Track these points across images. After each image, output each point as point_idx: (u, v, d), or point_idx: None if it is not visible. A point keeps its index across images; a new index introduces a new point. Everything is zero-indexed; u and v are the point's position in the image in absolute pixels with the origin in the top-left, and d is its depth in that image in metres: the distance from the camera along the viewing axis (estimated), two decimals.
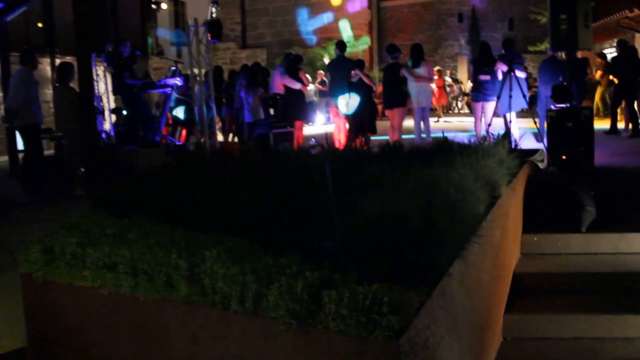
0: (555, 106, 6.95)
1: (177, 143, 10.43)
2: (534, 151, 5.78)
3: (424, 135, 10.14)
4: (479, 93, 9.48)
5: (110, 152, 9.51)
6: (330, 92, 11.02)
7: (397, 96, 9.95)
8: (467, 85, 23.23)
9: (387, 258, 2.62)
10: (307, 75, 10.91)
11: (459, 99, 24.51)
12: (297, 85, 10.36)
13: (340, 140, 10.68)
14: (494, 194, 3.82)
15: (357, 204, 3.12)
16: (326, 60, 22.57)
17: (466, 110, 23.15)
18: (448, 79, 23.63)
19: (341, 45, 10.81)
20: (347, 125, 10.59)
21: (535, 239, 4.68)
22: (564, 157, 6.67)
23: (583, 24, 6.56)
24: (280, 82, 10.57)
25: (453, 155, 4.22)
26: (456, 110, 24.24)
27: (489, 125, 8.69)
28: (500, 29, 26.53)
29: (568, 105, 6.82)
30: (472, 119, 19.15)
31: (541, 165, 5.42)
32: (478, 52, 9.73)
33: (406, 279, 2.49)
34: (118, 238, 3.31)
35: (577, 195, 4.64)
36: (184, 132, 11.41)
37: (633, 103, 10.71)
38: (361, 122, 10.22)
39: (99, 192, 6.42)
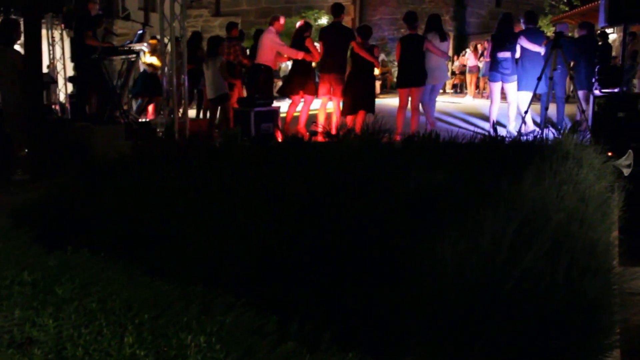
0: (601, 91, 5.83)
1: (140, 120, 9.01)
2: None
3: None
4: (496, 72, 8.32)
5: (61, 129, 8.08)
6: (323, 66, 9.30)
7: (418, 72, 8.65)
8: (455, 65, 22.14)
9: None
10: (317, 45, 9.28)
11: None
12: (299, 55, 8.91)
13: (331, 120, 9.37)
14: (604, 218, 2.65)
15: (434, 250, 1.91)
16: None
17: (449, 90, 22.08)
18: None
19: (337, 9, 9.19)
20: (342, 104, 9.26)
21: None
22: (610, 154, 5.55)
23: None
24: (271, 50, 9.05)
25: (529, 160, 3.03)
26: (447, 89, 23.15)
27: (526, 112, 7.52)
28: (487, 6, 25.37)
29: (618, 90, 5.69)
30: (460, 99, 18.27)
31: (626, 172, 4.27)
32: (497, 26, 8.45)
33: None
34: (40, 290, 2.05)
35: None
36: (151, 108, 9.98)
37: None
38: (360, 101, 8.93)
39: (43, 177, 5.03)
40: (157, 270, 2.18)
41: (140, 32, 9.82)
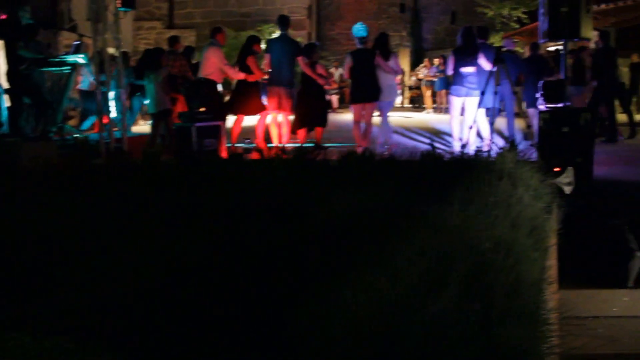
0: (546, 106, 5.70)
1: (75, 135, 8.54)
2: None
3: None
4: (461, 87, 7.96)
5: None
6: (271, 79, 8.97)
7: (373, 88, 8.45)
8: (410, 79, 22.25)
9: None
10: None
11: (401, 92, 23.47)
12: (240, 76, 8.62)
13: (281, 135, 9.07)
14: (539, 244, 2.41)
15: (345, 295, 1.61)
16: (262, 45, 20.86)
17: (407, 105, 22.13)
18: None
19: (284, 21, 8.97)
20: (292, 118, 9.04)
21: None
22: (556, 169, 5.42)
23: (585, 9, 5.31)
24: (215, 64, 8.74)
25: (460, 179, 2.78)
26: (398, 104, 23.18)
27: (470, 127, 7.35)
28: (443, 22, 25.64)
29: (563, 105, 5.58)
30: (415, 114, 18.26)
31: (567, 190, 4.08)
32: (461, 40, 8.15)
33: None
34: None
35: (621, 235, 3.35)
36: (96, 122, 9.52)
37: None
38: (311, 115, 8.81)
39: None
40: (19, 320, 1.83)
41: (76, 43, 9.37)
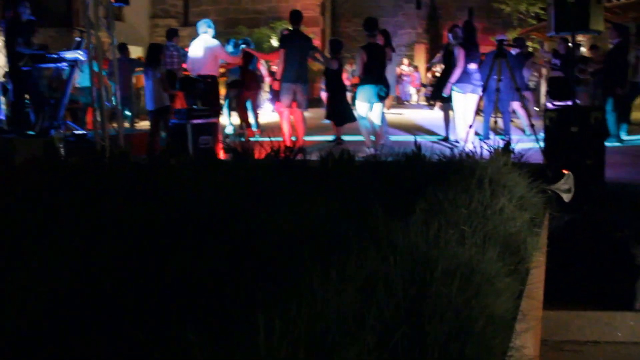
0: (554, 104, 5.34)
1: (77, 132, 8.37)
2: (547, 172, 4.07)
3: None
4: (467, 84, 7.66)
5: None
6: (286, 76, 8.60)
7: (387, 84, 8.33)
8: (425, 76, 21.84)
9: None
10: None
11: (417, 90, 23.09)
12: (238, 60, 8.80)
13: (296, 135, 8.89)
14: (517, 266, 2.10)
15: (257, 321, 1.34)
16: (274, 42, 20.66)
17: (423, 103, 21.69)
18: (405, 68, 22.14)
19: (296, 16, 8.64)
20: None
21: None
22: (565, 172, 5.07)
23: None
24: (216, 60, 8.75)
25: (436, 185, 2.49)
26: (413, 102, 22.80)
27: (471, 126, 7.01)
28: (460, 19, 25.15)
29: (571, 103, 5.21)
30: (427, 110, 17.81)
31: (567, 198, 3.70)
32: (462, 34, 7.79)
33: None
34: None
35: (626, 250, 3.00)
36: (88, 118, 9.39)
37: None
38: (332, 111, 9.04)
39: None
40: None
41: (78, 39, 9.20)
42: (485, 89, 6.97)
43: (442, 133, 9.33)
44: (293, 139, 8.67)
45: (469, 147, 4.21)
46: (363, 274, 1.45)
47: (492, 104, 7.75)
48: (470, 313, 1.39)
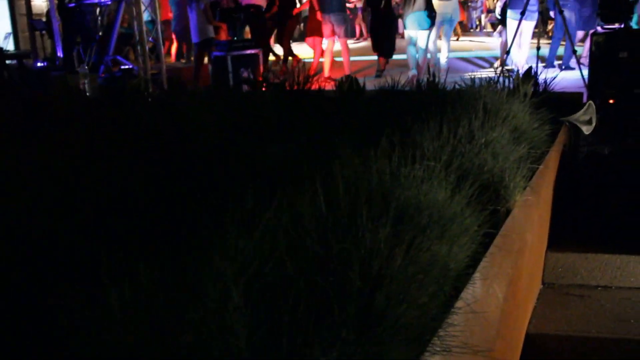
0: (603, 27, 4.90)
1: (124, 67, 8.52)
2: (574, 103, 3.74)
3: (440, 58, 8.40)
4: (520, 9, 7.04)
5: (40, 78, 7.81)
6: (322, 5, 8.46)
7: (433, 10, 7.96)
8: (492, 2, 20.56)
9: None
10: None
11: (483, 16, 21.85)
12: None
13: (345, 64, 8.72)
14: (497, 207, 1.98)
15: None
16: None
17: (489, 29, 20.55)
18: None
19: None
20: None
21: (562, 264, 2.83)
22: (611, 101, 4.72)
23: None
24: None
25: (431, 114, 2.36)
26: (478, 29, 21.67)
27: (507, 53, 6.57)
28: None
29: (622, 26, 4.76)
30: (493, 39, 16.84)
31: (586, 130, 3.38)
32: None
33: None
34: None
35: None
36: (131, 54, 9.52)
37: None
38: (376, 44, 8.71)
39: None
40: None
41: None
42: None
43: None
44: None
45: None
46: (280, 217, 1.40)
47: (561, 30, 7.32)
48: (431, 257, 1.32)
